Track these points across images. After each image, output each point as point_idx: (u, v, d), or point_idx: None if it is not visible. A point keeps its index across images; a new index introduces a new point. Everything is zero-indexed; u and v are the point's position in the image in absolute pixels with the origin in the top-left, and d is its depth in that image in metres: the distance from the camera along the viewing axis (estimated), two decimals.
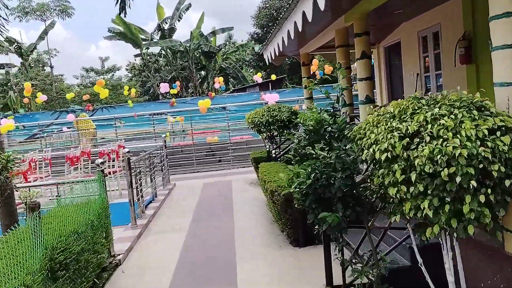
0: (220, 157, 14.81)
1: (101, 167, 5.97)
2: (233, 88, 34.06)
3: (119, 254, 5.94)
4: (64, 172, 10.88)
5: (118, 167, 11.47)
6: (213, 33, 29.63)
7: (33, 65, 39.45)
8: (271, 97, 13.59)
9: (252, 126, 10.87)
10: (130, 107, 26.09)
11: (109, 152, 10.64)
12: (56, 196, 6.02)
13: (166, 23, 29.25)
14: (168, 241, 6.55)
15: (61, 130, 22.76)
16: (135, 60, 40.77)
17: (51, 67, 31.11)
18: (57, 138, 22.39)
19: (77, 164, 10.32)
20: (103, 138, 23.32)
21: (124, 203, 7.64)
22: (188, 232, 6.90)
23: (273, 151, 10.16)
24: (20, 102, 26.09)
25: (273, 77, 22.80)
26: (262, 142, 15.28)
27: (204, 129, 20.89)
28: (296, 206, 3.51)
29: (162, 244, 6.46)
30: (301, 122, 3.45)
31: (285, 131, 10.82)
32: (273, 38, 9.98)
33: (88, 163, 10.84)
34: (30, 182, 9.54)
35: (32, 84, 26.26)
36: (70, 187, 5.95)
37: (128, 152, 7.49)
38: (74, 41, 79.92)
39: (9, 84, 26.92)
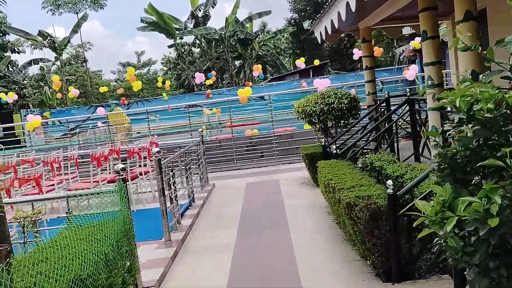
0: (262, 152, 13.31)
1: (121, 174, 4.58)
2: (271, 77, 32.45)
3: None
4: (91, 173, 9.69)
5: (151, 166, 10.21)
6: (249, 18, 28.05)
7: (72, 62, 39.39)
8: (322, 83, 11.94)
9: (303, 116, 9.31)
10: (165, 100, 25.05)
11: (139, 150, 9.33)
12: (67, 212, 4.71)
13: (200, 10, 27.94)
14: (211, 266, 5.11)
15: (96, 125, 21.97)
16: (170, 53, 39.94)
17: (85, 61, 30.46)
18: (92, 133, 21.59)
19: (105, 164, 9.09)
20: (139, 133, 22.42)
21: (157, 208, 6.27)
22: (235, 252, 5.44)
23: (331, 146, 8.57)
24: (55, 98, 25.54)
25: (317, 62, 21.05)
26: (308, 135, 13.71)
27: (243, 121, 19.50)
28: (446, 258, 1.94)
29: (203, 270, 5.02)
30: (454, 105, 1.84)
31: (342, 121, 9.22)
32: (327, 13, 8.34)
33: (118, 163, 9.59)
34: (53, 186, 8.38)
35: (66, 79, 25.69)
36: (85, 199, 4.58)
37: (159, 151, 6.09)
38: (112, 38, 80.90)
39: (44, 79, 26.42)
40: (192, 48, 32.25)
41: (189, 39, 30.83)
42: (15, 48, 27.63)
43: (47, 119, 23.54)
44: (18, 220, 3.87)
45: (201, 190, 9.14)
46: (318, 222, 6.34)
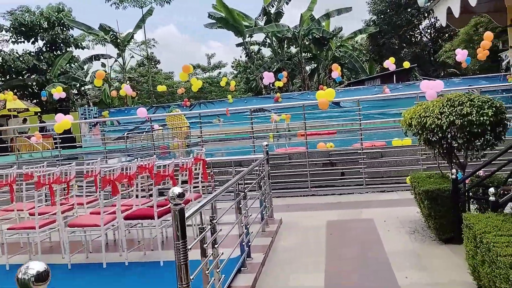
0: (343, 173, 10.30)
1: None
2: (347, 81, 29.16)
3: None
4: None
5: (208, 187, 7.69)
6: (327, 15, 25.03)
7: (146, 63, 38.79)
8: (432, 85, 8.72)
9: (416, 130, 6.26)
10: (230, 102, 22.84)
11: (189, 165, 6.73)
12: None
13: (273, 6, 25.39)
14: None
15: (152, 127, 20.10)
16: (240, 56, 38.16)
17: (148, 58, 29.02)
18: (146, 137, 19.76)
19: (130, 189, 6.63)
20: (200, 137, 20.32)
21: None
22: None
23: (477, 186, 5.52)
24: (116, 97, 24.17)
25: (407, 64, 17.59)
26: (402, 154, 10.52)
27: (317, 129, 16.66)
28: None
29: None
30: None
31: (478, 143, 6.05)
32: None
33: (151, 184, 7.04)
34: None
35: (130, 78, 24.30)
36: None
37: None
38: (187, 42, 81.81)
39: (105, 77, 25.19)
40: (262, 47, 29.74)
41: (259, 38, 28.44)
42: (79, 43, 26.76)
43: (106, 118, 22.08)
44: None
45: (262, 232, 6.35)
46: None
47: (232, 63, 46.23)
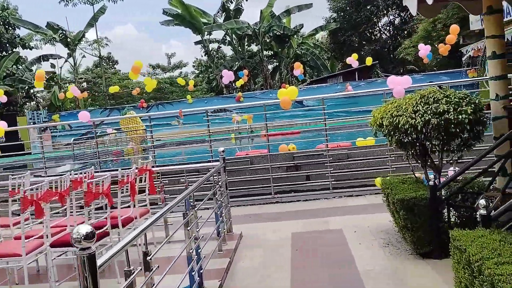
0: (308, 175, 9.62)
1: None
2: (309, 80, 28.69)
3: None
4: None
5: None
6: (288, 12, 24.41)
7: (104, 64, 37.00)
8: (399, 82, 8.18)
9: (388, 131, 5.63)
10: (189, 103, 21.90)
11: (131, 177, 5.82)
12: None
13: (232, 2, 24.57)
14: None
15: (105, 132, 18.86)
16: (202, 56, 37.23)
17: (101, 57, 27.54)
18: (99, 142, 18.50)
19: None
20: (159, 140, 19.29)
21: None
22: None
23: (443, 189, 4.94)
24: (64, 100, 22.67)
25: (369, 61, 17.15)
26: (368, 155, 9.95)
27: (281, 130, 16.05)
28: None
29: None
30: None
31: (455, 144, 5.50)
32: None
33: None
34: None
35: (81, 79, 22.86)
36: None
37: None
38: (147, 42, 79.78)
39: (54, 78, 23.62)
40: (222, 45, 28.82)
41: (219, 35, 27.53)
42: (26, 43, 24.93)
43: (56, 122, 20.64)
44: None
45: (218, 252, 5.55)
46: None
47: (194, 63, 45.19)
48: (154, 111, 22.78)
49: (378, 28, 41.40)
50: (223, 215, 6.04)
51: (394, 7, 38.16)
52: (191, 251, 4.17)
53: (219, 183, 6.10)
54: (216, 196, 5.70)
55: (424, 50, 15.14)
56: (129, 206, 5.84)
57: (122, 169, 5.63)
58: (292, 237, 6.20)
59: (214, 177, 5.98)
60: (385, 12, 39.33)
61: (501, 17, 5.44)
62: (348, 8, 38.24)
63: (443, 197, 4.90)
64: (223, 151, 6.41)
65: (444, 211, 4.92)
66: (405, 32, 37.45)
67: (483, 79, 17.73)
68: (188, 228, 4.17)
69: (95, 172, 6.75)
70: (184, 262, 4.12)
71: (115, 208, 5.52)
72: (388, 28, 41.24)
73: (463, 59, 20.40)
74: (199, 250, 4.44)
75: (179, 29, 23.65)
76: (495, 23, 5.28)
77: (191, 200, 4.54)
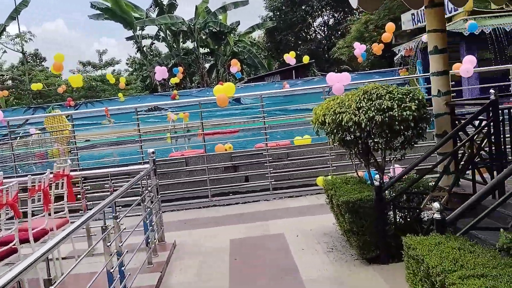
0: (247, 176, 9.20)
1: None
2: (247, 77, 28.37)
3: None
4: None
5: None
6: (224, 8, 23.88)
7: (30, 60, 34.32)
8: (338, 78, 7.97)
9: (331, 129, 5.31)
10: (121, 101, 20.75)
11: (44, 184, 5.03)
12: None
13: None
14: None
15: (28, 132, 17.32)
16: (135, 53, 35.73)
17: (23, 53, 25.48)
18: (22, 143, 16.92)
19: None
20: (88, 141, 18.03)
21: None
22: None
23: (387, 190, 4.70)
24: None
25: (306, 59, 17.06)
26: (307, 154, 9.71)
27: (219, 129, 15.52)
28: None
29: None
30: None
31: (398, 141, 5.31)
32: None
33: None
34: None
35: (3, 75, 20.89)
36: None
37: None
38: (78, 38, 75.83)
39: None
40: (156, 41, 27.68)
41: (152, 31, 26.39)
42: None
43: None
44: None
45: (148, 266, 4.94)
46: None
47: (127, 60, 43.31)
48: (82, 109, 21.38)
49: (313, 28, 42.04)
50: (153, 223, 5.43)
51: (328, 8, 38.90)
52: (112, 270, 3.55)
53: (149, 188, 5.48)
54: (145, 202, 5.09)
55: (359, 49, 15.27)
56: (43, 216, 5.07)
57: (32, 175, 4.84)
58: (231, 244, 5.73)
59: (143, 181, 5.36)
60: (319, 12, 39.98)
61: (443, 11, 5.31)
62: (283, 8, 38.43)
63: (388, 198, 4.66)
64: (153, 152, 5.80)
65: (390, 213, 4.69)
66: (339, 32, 38.28)
67: (414, 76, 18.35)
68: (108, 243, 3.54)
69: (6, 177, 5.88)
70: (106, 278, 3.51)
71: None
72: (322, 28, 42.00)
73: (395, 58, 21.00)
74: (122, 268, 3.83)
75: (113, 26, 22.42)
76: (437, 17, 5.13)
77: (111, 209, 3.91)
